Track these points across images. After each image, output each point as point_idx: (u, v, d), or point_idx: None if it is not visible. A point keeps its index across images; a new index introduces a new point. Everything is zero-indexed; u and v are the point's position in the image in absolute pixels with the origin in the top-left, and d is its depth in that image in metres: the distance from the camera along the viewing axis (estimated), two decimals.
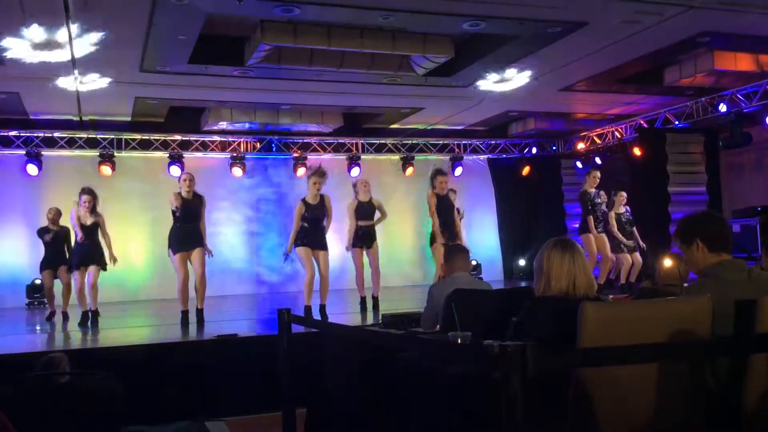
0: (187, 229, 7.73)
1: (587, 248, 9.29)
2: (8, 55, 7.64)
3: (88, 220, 8.13)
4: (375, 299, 8.55)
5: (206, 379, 5.79)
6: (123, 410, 4.10)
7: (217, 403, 5.62)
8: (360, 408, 4.04)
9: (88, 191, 8.20)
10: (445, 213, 8.41)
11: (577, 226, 10.40)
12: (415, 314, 5.40)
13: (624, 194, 10.06)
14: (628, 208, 10.06)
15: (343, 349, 4.26)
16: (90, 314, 8.02)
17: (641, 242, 10.06)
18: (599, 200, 9.67)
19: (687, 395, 2.58)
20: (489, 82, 9.61)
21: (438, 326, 4.43)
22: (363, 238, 8.46)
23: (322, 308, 7.94)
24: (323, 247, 7.97)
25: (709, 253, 2.97)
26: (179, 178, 7.74)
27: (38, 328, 8.55)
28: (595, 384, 2.46)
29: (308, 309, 7.87)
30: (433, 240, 8.50)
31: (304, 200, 7.95)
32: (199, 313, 7.68)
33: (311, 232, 7.90)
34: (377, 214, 8.58)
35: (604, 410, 2.47)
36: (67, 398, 3.78)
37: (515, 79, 9.49)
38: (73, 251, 8.46)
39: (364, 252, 8.49)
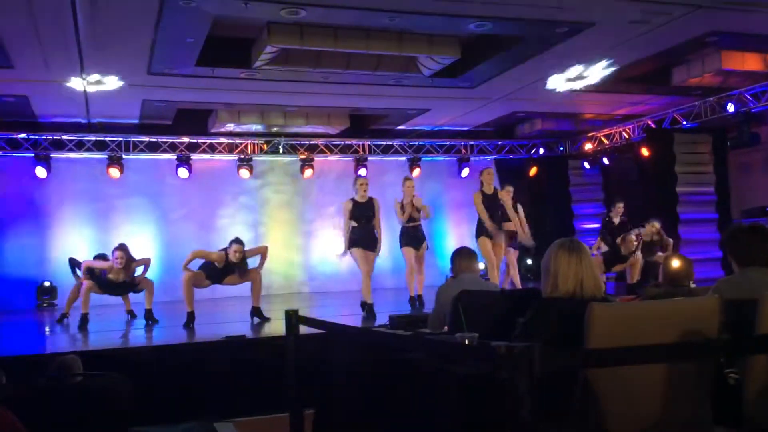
0: None
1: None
2: None
3: (120, 277, 8.25)
4: (419, 297, 8.70)
5: (214, 380, 5.82)
6: (131, 410, 4.12)
7: (226, 404, 5.65)
8: (367, 409, 4.05)
9: (120, 247, 8.31)
10: (491, 209, 8.62)
11: (584, 227, 10.46)
12: (423, 316, 5.41)
13: (620, 205, 10.34)
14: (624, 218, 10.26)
15: (350, 350, 4.27)
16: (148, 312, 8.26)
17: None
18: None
19: (694, 395, 2.57)
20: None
21: (446, 327, 4.43)
22: (413, 239, 8.69)
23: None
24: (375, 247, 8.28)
25: (738, 267, 3.18)
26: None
27: (47, 329, 8.60)
28: (602, 385, 2.46)
29: (366, 305, 8.13)
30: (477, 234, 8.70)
31: (353, 200, 8.24)
32: (255, 310, 8.01)
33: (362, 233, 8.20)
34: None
35: (611, 411, 2.47)
36: (77, 399, 3.81)
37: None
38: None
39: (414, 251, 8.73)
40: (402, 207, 8.63)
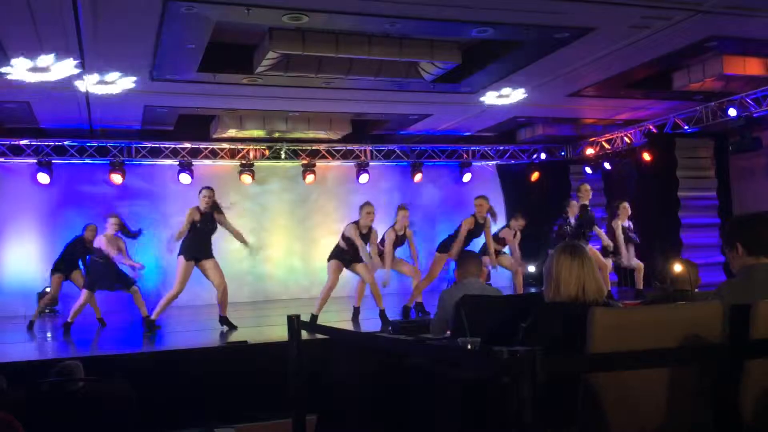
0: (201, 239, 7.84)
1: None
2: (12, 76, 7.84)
3: (116, 246, 8.32)
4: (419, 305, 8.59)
5: (216, 385, 5.81)
6: (134, 416, 4.13)
7: (228, 410, 5.64)
8: (370, 415, 4.05)
9: (114, 215, 8.44)
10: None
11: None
12: (425, 321, 5.42)
13: (626, 205, 9.89)
14: (630, 223, 9.93)
15: (353, 355, 4.27)
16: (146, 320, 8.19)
17: (633, 261, 9.90)
18: (587, 216, 9.42)
19: (696, 400, 2.57)
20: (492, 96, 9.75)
21: (448, 332, 4.43)
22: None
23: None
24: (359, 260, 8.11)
25: (748, 257, 2.97)
26: (199, 192, 7.97)
27: (49, 335, 8.60)
28: (604, 389, 2.45)
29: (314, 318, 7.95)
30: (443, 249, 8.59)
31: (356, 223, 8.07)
32: (223, 319, 7.88)
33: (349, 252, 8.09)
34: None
35: (613, 415, 2.47)
36: (80, 404, 3.81)
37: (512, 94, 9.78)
38: (87, 269, 8.58)
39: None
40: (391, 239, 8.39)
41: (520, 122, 12.55)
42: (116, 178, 11.78)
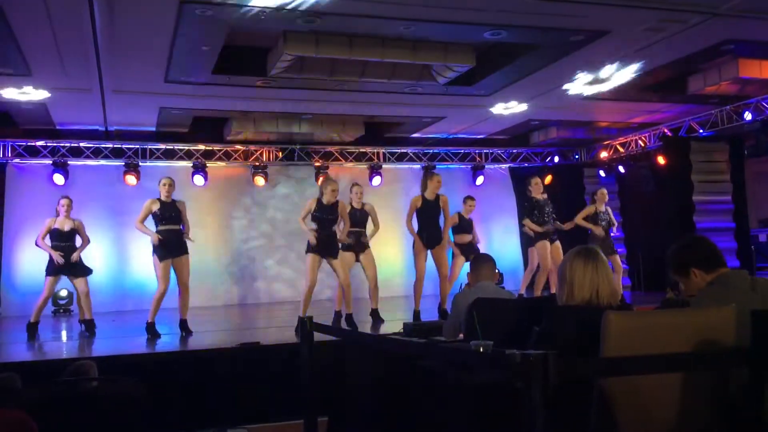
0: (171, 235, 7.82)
1: (542, 257, 8.94)
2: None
3: (66, 226, 8.15)
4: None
5: (229, 386, 5.84)
6: (147, 417, 4.15)
7: (240, 411, 5.66)
8: (381, 417, 4.04)
9: (65, 196, 8.30)
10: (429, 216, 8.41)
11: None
12: (436, 323, 5.41)
13: (604, 191, 9.70)
14: (608, 208, 9.70)
15: (365, 357, 4.27)
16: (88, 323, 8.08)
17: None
18: (548, 208, 9.19)
19: (711, 405, 2.55)
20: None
21: (461, 335, 4.43)
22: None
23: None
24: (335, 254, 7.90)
25: (707, 275, 3.05)
26: (159, 181, 7.98)
27: (64, 335, 8.66)
28: (618, 393, 2.44)
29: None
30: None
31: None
32: (184, 323, 7.77)
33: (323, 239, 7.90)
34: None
35: (627, 420, 2.45)
36: (94, 404, 3.84)
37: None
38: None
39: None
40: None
41: (534, 125, 12.51)
42: (131, 180, 11.87)
